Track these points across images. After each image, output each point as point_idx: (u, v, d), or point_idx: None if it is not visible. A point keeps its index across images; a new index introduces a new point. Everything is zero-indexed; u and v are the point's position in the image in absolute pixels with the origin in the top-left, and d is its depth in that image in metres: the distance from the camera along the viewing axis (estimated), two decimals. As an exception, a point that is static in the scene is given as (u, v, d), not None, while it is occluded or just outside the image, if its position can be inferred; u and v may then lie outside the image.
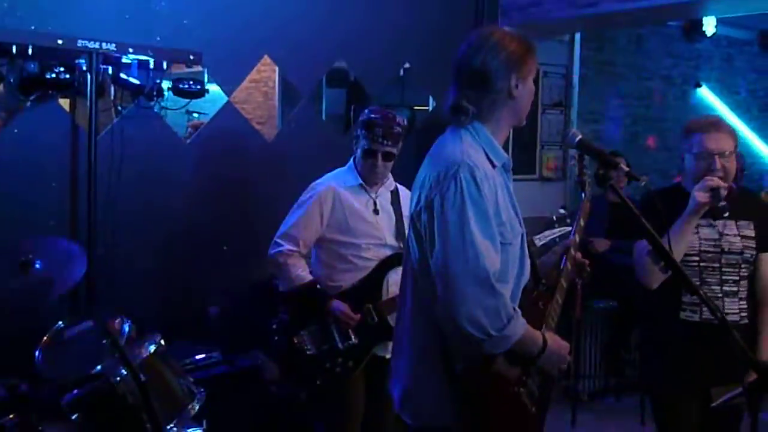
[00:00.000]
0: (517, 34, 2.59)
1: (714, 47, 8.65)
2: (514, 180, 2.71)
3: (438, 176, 2.47)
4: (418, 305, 2.60)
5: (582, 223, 2.96)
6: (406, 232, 2.73)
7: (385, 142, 3.84)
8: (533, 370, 2.59)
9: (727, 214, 3.40)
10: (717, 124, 3.54)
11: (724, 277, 3.49)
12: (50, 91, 4.18)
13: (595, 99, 7.54)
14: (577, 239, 2.91)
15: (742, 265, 3.50)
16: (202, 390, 3.39)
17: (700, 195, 3.36)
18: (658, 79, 8.19)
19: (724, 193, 3.38)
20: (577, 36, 6.72)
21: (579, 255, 2.90)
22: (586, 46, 6.97)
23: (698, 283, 3.44)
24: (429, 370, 2.56)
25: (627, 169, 2.53)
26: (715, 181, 3.37)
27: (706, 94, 8.50)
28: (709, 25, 7.81)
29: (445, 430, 2.55)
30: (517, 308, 2.49)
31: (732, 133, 3.53)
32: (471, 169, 2.44)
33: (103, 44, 4.14)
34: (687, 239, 3.41)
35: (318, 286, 3.88)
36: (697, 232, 3.47)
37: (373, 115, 3.86)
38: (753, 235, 3.51)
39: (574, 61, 6.75)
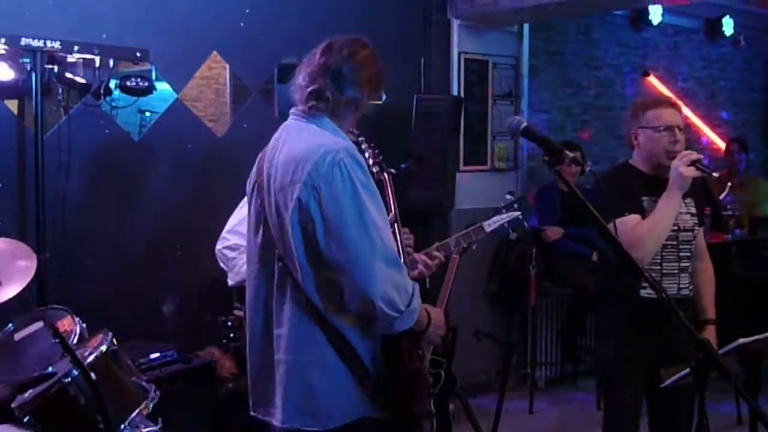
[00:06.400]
0: (379, 59, 2.67)
1: (661, 36, 8.73)
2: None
3: (316, 166, 2.44)
4: (300, 307, 2.53)
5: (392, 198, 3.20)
6: (279, 234, 2.56)
7: None
8: (423, 345, 2.69)
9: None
10: (669, 100, 3.70)
11: (681, 254, 3.60)
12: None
13: (545, 89, 7.58)
14: (394, 215, 3.10)
15: (692, 242, 3.62)
16: (155, 389, 3.36)
17: (687, 170, 3.36)
18: (607, 68, 8.26)
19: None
20: (526, 26, 6.75)
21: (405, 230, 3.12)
22: (534, 37, 7.01)
23: (659, 260, 3.54)
24: (333, 370, 2.52)
25: (572, 155, 2.54)
26: (693, 154, 3.40)
27: (653, 82, 8.60)
28: (656, 14, 7.90)
29: (363, 422, 2.55)
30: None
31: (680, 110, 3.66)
32: (350, 153, 2.49)
33: (48, 43, 4.10)
34: (673, 214, 3.42)
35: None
36: None
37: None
38: (696, 212, 3.63)
39: (523, 51, 6.78)
